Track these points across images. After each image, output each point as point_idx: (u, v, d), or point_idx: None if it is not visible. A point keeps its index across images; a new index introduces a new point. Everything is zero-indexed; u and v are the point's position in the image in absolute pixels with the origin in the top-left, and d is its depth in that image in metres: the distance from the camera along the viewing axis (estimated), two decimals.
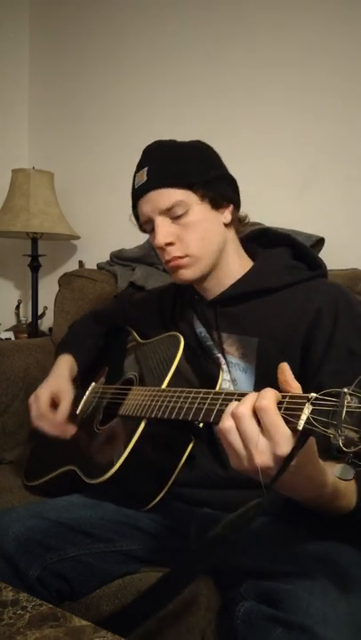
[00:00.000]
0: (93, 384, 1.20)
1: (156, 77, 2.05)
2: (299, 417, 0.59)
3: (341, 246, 1.56)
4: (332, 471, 0.56)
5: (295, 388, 0.65)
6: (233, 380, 0.99)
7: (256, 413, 0.62)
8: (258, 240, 1.09)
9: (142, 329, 1.18)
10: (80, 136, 2.29)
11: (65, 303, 1.77)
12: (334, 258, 1.41)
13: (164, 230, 0.96)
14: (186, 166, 0.97)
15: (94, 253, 2.12)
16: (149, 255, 1.82)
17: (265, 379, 0.93)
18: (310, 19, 1.68)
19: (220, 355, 1.01)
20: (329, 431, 0.56)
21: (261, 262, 1.03)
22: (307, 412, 0.59)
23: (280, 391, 0.67)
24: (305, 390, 0.64)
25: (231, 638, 0.70)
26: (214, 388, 0.95)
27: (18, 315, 2.38)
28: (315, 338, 0.91)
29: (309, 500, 0.73)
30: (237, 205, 1.03)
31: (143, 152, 1.02)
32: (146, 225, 1.01)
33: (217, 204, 0.99)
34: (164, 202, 0.95)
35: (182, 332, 1.03)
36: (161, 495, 0.94)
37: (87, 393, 1.19)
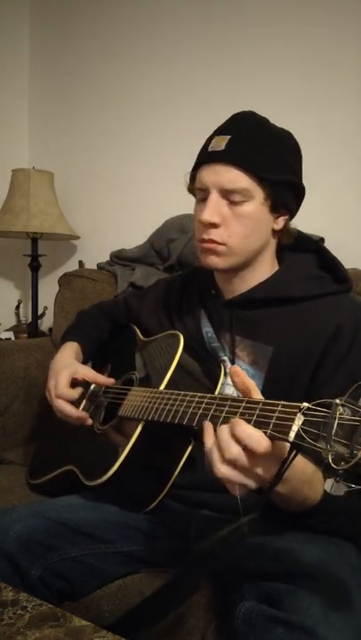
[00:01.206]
0: (93, 385, 1.19)
1: (157, 77, 2.05)
2: (290, 428, 0.58)
3: (341, 246, 1.55)
4: (326, 487, 0.55)
5: (250, 385, 0.67)
6: None
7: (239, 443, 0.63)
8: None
9: (146, 323, 1.16)
10: (80, 136, 2.29)
11: (65, 303, 1.76)
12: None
13: (215, 209, 0.90)
14: (266, 157, 0.90)
15: (94, 253, 2.12)
16: (149, 255, 1.82)
17: (273, 388, 0.92)
18: (313, 15, 1.68)
19: (226, 358, 0.99)
20: (319, 445, 0.54)
21: (287, 268, 0.99)
22: (298, 422, 0.58)
23: (232, 375, 0.70)
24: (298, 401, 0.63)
25: (232, 638, 0.70)
26: (214, 390, 0.94)
27: (18, 315, 2.38)
28: (329, 354, 0.89)
29: (288, 499, 0.73)
30: (293, 216, 0.99)
31: (232, 117, 0.95)
32: (198, 192, 0.94)
33: (276, 209, 0.94)
34: (229, 182, 0.89)
35: (187, 330, 1.02)
36: (160, 497, 0.94)
37: (89, 392, 1.19)
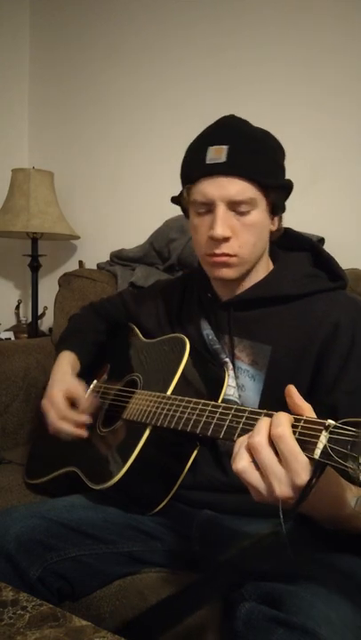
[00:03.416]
0: (95, 382, 1.19)
1: (157, 77, 2.05)
2: (315, 445, 0.57)
3: (341, 246, 1.55)
4: (351, 502, 0.54)
5: (306, 409, 0.63)
6: (240, 387, 0.97)
7: (272, 441, 0.60)
8: (278, 240, 1.04)
9: (145, 324, 1.15)
10: (80, 136, 2.29)
11: (65, 303, 1.76)
12: (335, 258, 1.41)
13: (226, 223, 0.89)
14: (266, 164, 0.91)
15: (94, 253, 2.12)
16: (149, 255, 1.82)
17: (273, 388, 0.92)
18: (315, 15, 1.68)
19: (227, 359, 0.98)
20: (348, 464, 0.53)
21: (281, 267, 1.00)
22: (324, 440, 0.56)
23: (286, 406, 0.65)
24: (317, 410, 0.62)
25: (232, 639, 0.70)
26: (220, 393, 0.94)
27: (18, 315, 2.38)
28: (330, 353, 0.88)
29: (327, 518, 0.72)
30: (283, 213, 0.99)
31: (220, 125, 0.94)
32: (200, 206, 0.92)
33: (274, 212, 0.95)
34: (237, 194, 0.88)
35: (188, 333, 1.01)
36: (165, 501, 0.94)
37: (89, 391, 1.18)
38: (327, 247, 1.54)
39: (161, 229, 1.79)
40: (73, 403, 1.07)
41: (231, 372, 0.97)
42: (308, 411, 0.64)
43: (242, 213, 0.90)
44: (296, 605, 0.66)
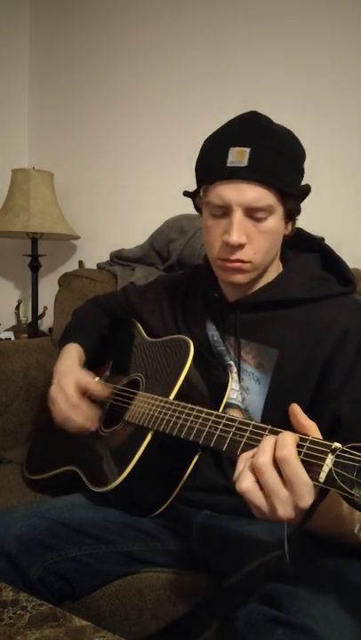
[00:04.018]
0: (97, 379, 1.18)
1: (157, 77, 2.05)
2: (320, 467, 0.56)
3: (342, 246, 1.55)
4: (355, 529, 0.53)
5: (311, 428, 0.63)
6: (244, 389, 0.96)
7: (276, 462, 0.59)
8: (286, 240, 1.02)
9: (148, 321, 1.14)
10: (80, 136, 2.29)
11: (65, 303, 1.76)
12: None
13: (243, 229, 0.86)
14: (288, 170, 0.87)
15: (94, 253, 2.12)
16: (149, 255, 1.82)
17: (278, 392, 0.91)
18: (315, 11, 1.68)
19: (232, 362, 0.97)
20: (353, 492, 0.52)
21: (290, 270, 0.98)
22: (330, 463, 0.55)
23: (290, 415, 0.65)
24: (319, 417, 0.61)
25: (232, 639, 0.70)
26: (223, 397, 0.94)
27: (18, 315, 2.38)
28: (337, 360, 0.87)
29: (329, 534, 0.72)
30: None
31: (242, 124, 0.89)
32: (215, 208, 0.89)
33: (290, 217, 0.93)
34: (256, 200, 0.85)
35: (192, 333, 1.00)
36: (167, 504, 0.94)
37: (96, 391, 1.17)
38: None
39: (161, 229, 1.80)
40: (83, 394, 1.04)
41: (235, 375, 0.96)
42: (313, 430, 0.63)
43: (259, 219, 0.87)
44: (296, 605, 0.66)
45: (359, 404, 0.84)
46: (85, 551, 0.91)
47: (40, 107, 2.43)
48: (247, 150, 0.84)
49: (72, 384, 1.03)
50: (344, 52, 1.63)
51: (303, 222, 1.60)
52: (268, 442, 0.61)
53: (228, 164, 0.84)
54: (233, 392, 0.96)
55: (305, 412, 0.63)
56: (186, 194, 0.97)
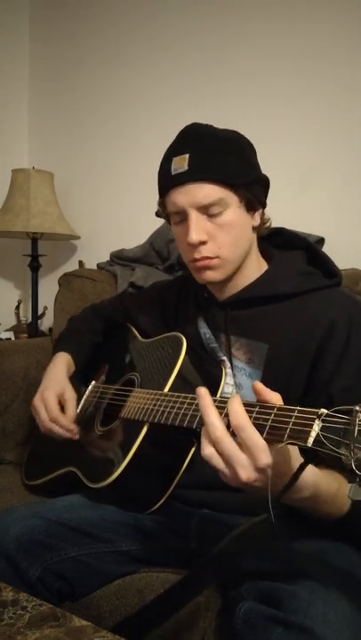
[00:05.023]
0: (93, 382, 1.19)
1: (157, 78, 2.05)
2: (308, 434, 0.58)
3: (341, 246, 1.56)
4: (345, 491, 0.56)
5: (276, 399, 0.66)
6: (237, 385, 0.98)
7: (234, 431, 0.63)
8: (272, 240, 1.06)
9: (143, 325, 1.16)
10: (80, 136, 2.29)
11: (65, 303, 1.76)
12: (334, 258, 1.39)
13: (200, 227, 0.91)
14: (231, 163, 0.92)
15: (94, 253, 2.12)
16: (149, 255, 1.82)
17: (271, 385, 0.91)
18: (313, 13, 1.68)
19: (225, 358, 0.99)
20: (340, 451, 0.54)
21: (276, 266, 1.01)
22: (316, 428, 0.58)
23: (285, 400, 0.67)
24: (313, 406, 0.63)
25: (231, 638, 0.70)
26: (217, 391, 0.94)
27: (18, 315, 2.38)
28: (327, 350, 0.89)
29: (323, 512, 0.74)
30: (264, 207, 1.01)
31: (181, 135, 0.96)
32: (175, 216, 0.95)
33: (252, 207, 0.96)
34: (204, 197, 0.90)
35: (185, 332, 1.02)
36: (163, 499, 0.94)
37: (87, 392, 1.18)
38: (327, 247, 1.56)
39: (161, 229, 1.80)
40: (63, 406, 1.10)
41: (229, 371, 0.98)
42: (279, 401, 0.67)
43: (214, 215, 0.91)
44: (294, 605, 0.66)
45: (350, 391, 0.85)
46: (84, 551, 0.92)
47: (40, 107, 2.43)
48: (186, 156, 0.90)
49: (54, 396, 1.09)
50: (344, 56, 1.62)
51: (304, 223, 1.61)
52: (222, 416, 0.66)
53: (173, 173, 0.92)
54: (228, 386, 0.97)
55: (298, 403, 0.65)
56: (158, 214, 1.03)
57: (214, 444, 0.64)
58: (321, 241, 1.57)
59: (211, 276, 0.95)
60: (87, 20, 2.24)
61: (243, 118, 1.80)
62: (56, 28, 2.35)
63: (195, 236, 0.91)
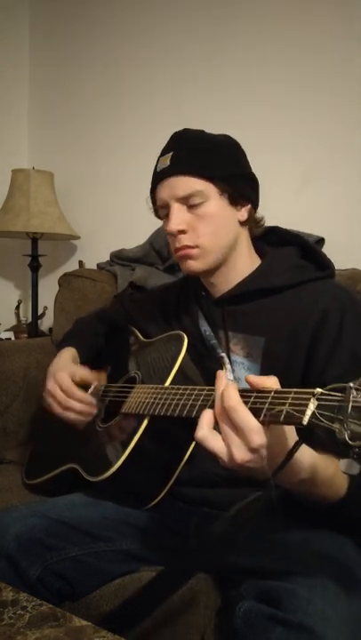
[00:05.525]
0: (95, 384, 1.19)
1: (156, 77, 2.05)
2: (304, 412, 0.60)
3: (341, 246, 1.56)
4: (339, 465, 0.57)
5: (272, 383, 0.67)
6: (237, 380, 0.99)
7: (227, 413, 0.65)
8: (266, 238, 1.08)
9: (144, 326, 1.17)
10: (80, 136, 2.29)
11: (65, 303, 1.77)
12: (334, 258, 1.40)
13: (179, 217, 0.96)
14: (210, 158, 0.97)
15: (94, 253, 2.12)
16: (149, 255, 1.82)
17: None
18: (310, 18, 1.68)
19: (224, 354, 1.00)
20: (334, 425, 0.56)
21: (269, 261, 1.03)
22: (312, 406, 0.59)
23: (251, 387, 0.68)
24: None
25: (231, 637, 0.70)
26: None
27: (18, 315, 2.38)
28: (320, 339, 0.91)
29: (320, 496, 0.75)
30: (255, 205, 1.03)
31: (171, 137, 1.02)
32: (161, 210, 1.01)
33: (235, 201, 0.98)
34: (182, 189, 0.96)
35: (186, 330, 1.03)
36: (163, 494, 0.94)
37: (89, 392, 1.18)
38: (327, 247, 1.56)
39: (161, 229, 1.80)
40: (78, 384, 1.08)
41: (228, 367, 0.99)
42: (276, 384, 0.68)
43: (195, 206, 0.96)
44: (294, 604, 0.66)
45: (343, 379, 0.85)
46: (84, 550, 0.92)
47: (40, 107, 2.43)
48: (169, 154, 0.98)
49: (67, 376, 1.07)
50: (344, 54, 1.62)
51: (305, 223, 1.62)
52: (216, 398, 0.68)
53: (157, 170, 1.00)
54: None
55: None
56: (155, 215, 1.07)
57: (224, 413, 0.65)
58: (321, 241, 1.57)
59: (192, 265, 0.99)
60: (88, 21, 2.24)
61: (244, 120, 1.81)
62: (56, 29, 2.35)
63: (173, 225, 0.96)
